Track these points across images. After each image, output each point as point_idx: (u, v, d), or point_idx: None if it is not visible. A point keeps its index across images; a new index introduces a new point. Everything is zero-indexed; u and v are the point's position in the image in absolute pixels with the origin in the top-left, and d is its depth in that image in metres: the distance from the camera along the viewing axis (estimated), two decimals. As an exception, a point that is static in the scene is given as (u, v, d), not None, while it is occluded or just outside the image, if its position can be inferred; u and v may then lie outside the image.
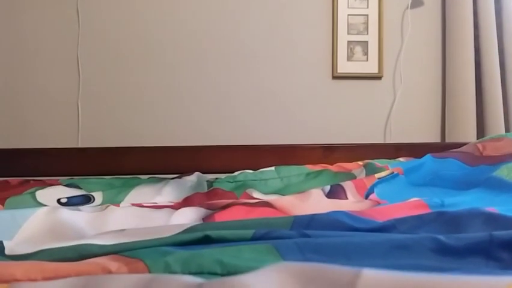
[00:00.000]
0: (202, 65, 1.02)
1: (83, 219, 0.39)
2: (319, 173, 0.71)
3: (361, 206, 0.48)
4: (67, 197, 0.55)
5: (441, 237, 0.28)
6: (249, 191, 0.62)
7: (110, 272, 0.25)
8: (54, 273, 0.24)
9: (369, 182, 0.57)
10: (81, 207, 0.43)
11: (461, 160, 0.64)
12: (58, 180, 0.68)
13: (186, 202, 0.56)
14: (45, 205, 0.51)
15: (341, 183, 0.57)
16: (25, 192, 0.56)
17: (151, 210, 0.44)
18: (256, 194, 0.61)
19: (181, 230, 0.33)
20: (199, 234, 0.30)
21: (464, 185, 0.56)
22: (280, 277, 0.20)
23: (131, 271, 0.25)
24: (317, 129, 1.03)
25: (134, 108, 1.00)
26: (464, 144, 0.74)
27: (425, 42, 1.06)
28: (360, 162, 0.74)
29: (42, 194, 0.56)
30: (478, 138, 0.93)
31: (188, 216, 0.43)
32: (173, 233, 0.32)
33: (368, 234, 0.33)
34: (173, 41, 1.01)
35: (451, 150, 0.71)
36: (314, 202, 0.49)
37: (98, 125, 1.00)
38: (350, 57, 1.03)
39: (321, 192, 0.52)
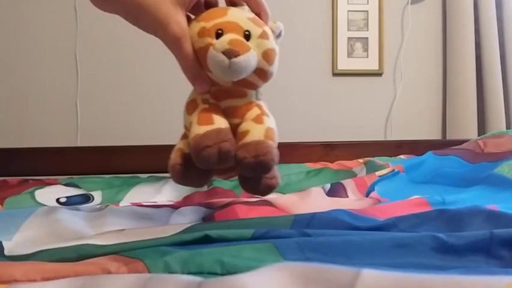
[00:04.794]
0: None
1: (83, 219, 0.39)
2: (319, 171, 0.71)
3: (362, 204, 0.48)
4: (66, 197, 0.55)
5: (441, 235, 0.28)
6: (249, 189, 0.62)
7: (109, 272, 0.25)
8: (53, 274, 0.24)
9: (369, 180, 0.57)
10: (80, 207, 0.42)
11: (462, 157, 0.64)
12: (57, 179, 0.68)
13: (186, 201, 0.56)
14: (44, 205, 0.51)
15: (341, 181, 0.57)
16: (24, 191, 0.56)
17: (151, 209, 0.44)
18: (257, 192, 0.61)
19: (180, 229, 0.33)
20: (199, 234, 0.30)
21: (465, 182, 0.56)
22: (280, 277, 0.20)
23: (131, 271, 0.25)
24: (317, 127, 1.03)
25: (133, 106, 1.00)
26: (465, 141, 0.74)
27: (426, 38, 1.05)
28: (360, 160, 0.74)
29: (41, 194, 0.55)
30: (479, 135, 0.93)
31: (188, 216, 0.42)
32: (173, 233, 0.32)
33: (369, 232, 0.33)
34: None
35: (452, 147, 0.70)
36: (314, 200, 0.49)
37: (97, 124, 0.99)
38: (350, 54, 1.02)
39: (322, 191, 0.52)
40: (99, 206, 0.44)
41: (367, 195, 0.54)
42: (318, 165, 0.74)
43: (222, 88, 0.34)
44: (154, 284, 0.20)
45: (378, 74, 1.04)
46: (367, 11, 1.02)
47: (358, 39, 1.02)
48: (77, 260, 0.27)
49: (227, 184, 0.66)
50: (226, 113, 0.34)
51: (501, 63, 0.97)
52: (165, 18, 0.31)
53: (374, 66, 1.03)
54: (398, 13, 1.04)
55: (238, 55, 0.31)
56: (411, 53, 1.04)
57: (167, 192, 0.59)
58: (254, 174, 0.32)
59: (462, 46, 0.97)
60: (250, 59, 0.32)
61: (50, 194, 0.56)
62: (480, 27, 0.97)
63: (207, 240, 0.30)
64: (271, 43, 0.34)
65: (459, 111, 0.98)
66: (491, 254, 0.26)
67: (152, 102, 1.00)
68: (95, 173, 0.77)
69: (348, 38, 1.02)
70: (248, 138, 0.32)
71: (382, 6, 1.02)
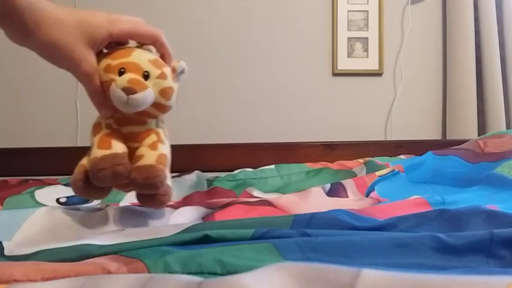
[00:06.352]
0: (200, 62, 1.01)
1: (83, 219, 0.39)
2: (319, 171, 0.71)
3: (362, 204, 0.48)
4: (66, 197, 0.55)
5: (441, 235, 0.28)
6: (249, 189, 0.62)
7: (109, 272, 0.25)
8: (53, 274, 0.24)
9: (369, 180, 0.57)
10: (80, 207, 0.42)
11: (462, 157, 0.64)
12: (57, 179, 0.68)
13: (186, 201, 0.56)
14: (44, 205, 0.51)
15: (341, 181, 0.57)
16: (24, 191, 0.56)
17: (151, 209, 0.44)
18: (257, 193, 0.61)
19: (180, 229, 0.33)
20: (198, 234, 0.30)
21: (465, 182, 0.56)
22: (280, 277, 0.20)
23: (131, 271, 0.25)
24: (317, 127, 1.03)
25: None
26: (465, 141, 0.74)
27: (426, 38, 1.05)
28: (360, 160, 0.74)
29: (41, 194, 0.55)
30: (479, 135, 0.93)
31: (188, 216, 0.42)
32: (173, 233, 0.32)
33: (369, 232, 0.33)
34: (172, 38, 1.01)
35: (452, 147, 0.70)
36: (314, 200, 0.49)
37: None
38: (350, 54, 1.02)
39: (322, 191, 0.52)
40: (99, 206, 0.44)
41: (367, 195, 0.54)
42: (318, 165, 0.74)
43: (124, 116, 0.39)
44: (154, 284, 0.20)
45: (378, 74, 1.04)
46: (367, 11, 1.02)
47: (358, 39, 1.02)
48: (77, 260, 0.27)
49: (227, 184, 0.66)
50: (127, 138, 0.39)
51: (501, 64, 0.97)
52: (78, 58, 0.36)
53: (374, 66, 1.03)
54: (398, 13, 1.04)
55: (135, 92, 0.36)
56: (411, 53, 1.04)
57: (167, 192, 0.58)
58: (145, 192, 0.38)
59: (462, 46, 0.97)
60: (146, 95, 0.36)
61: (50, 194, 0.56)
62: (480, 28, 0.97)
63: (207, 240, 0.30)
64: (169, 82, 0.39)
65: (459, 111, 0.98)
66: (491, 254, 0.26)
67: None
68: (95, 173, 0.77)
69: (348, 38, 1.02)
70: (142, 162, 0.37)
71: (382, 6, 1.02)
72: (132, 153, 0.38)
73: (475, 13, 0.98)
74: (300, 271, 0.20)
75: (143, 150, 0.38)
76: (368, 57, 1.02)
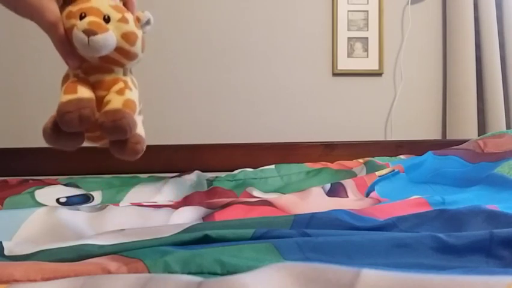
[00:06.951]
0: (200, 62, 1.01)
1: (83, 219, 0.39)
2: (319, 171, 0.71)
3: (362, 204, 0.48)
4: (66, 197, 0.55)
5: (441, 235, 0.28)
6: (249, 189, 0.62)
7: (109, 272, 0.25)
8: (53, 274, 0.24)
9: (369, 180, 0.57)
10: (80, 207, 0.42)
11: (462, 157, 0.64)
12: (57, 179, 0.68)
13: (186, 201, 0.56)
14: (44, 205, 0.51)
15: (341, 181, 0.57)
16: (24, 191, 0.56)
17: (151, 209, 0.44)
18: (257, 193, 0.61)
19: (180, 229, 0.33)
20: (199, 234, 0.30)
21: (465, 182, 0.56)
22: (280, 276, 0.20)
23: (131, 271, 0.25)
24: (317, 127, 1.03)
25: (133, 106, 1.00)
26: (465, 141, 0.74)
27: (426, 38, 1.05)
28: (360, 160, 0.74)
29: (41, 194, 0.55)
30: (479, 135, 0.93)
31: (188, 216, 0.42)
32: (173, 233, 0.32)
33: (369, 232, 0.33)
34: (171, 38, 1.01)
35: (452, 147, 0.70)
36: (314, 200, 0.49)
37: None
38: (350, 54, 1.02)
39: (322, 191, 0.52)
40: (99, 206, 0.44)
41: (367, 195, 0.54)
42: (318, 165, 0.74)
43: (91, 64, 0.40)
44: (154, 284, 0.20)
45: (378, 74, 1.04)
46: (367, 11, 1.02)
47: (358, 39, 1.02)
48: (77, 260, 0.27)
49: (227, 184, 0.66)
50: (95, 86, 0.40)
51: (501, 64, 0.97)
52: (41, 7, 0.37)
53: (374, 66, 1.03)
54: (398, 13, 1.04)
55: (96, 34, 0.37)
56: (411, 53, 1.04)
57: (167, 192, 0.59)
58: (114, 136, 0.38)
59: (462, 46, 0.97)
60: (107, 38, 0.37)
61: (50, 194, 0.56)
62: (480, 28, 0.97)
63: (207, 240, 0.30)
64: (131, 27, 0.40)
65: (459, 111, 0.98)
66: (491, 254, 0.26)
67: (151, 102, 1.00)
68: (95, 173, 0.77)
69: (348, 38, 1.02)
70: (109, 107, 0.38)
71: (382, 6, 1.02)
72: (100, 101, 0.39)
73: (475, 13, 0.98)
74: (300, 271, 0.20)
75: (110, 96, 0.39)
76: (368, 57, 1.02)
